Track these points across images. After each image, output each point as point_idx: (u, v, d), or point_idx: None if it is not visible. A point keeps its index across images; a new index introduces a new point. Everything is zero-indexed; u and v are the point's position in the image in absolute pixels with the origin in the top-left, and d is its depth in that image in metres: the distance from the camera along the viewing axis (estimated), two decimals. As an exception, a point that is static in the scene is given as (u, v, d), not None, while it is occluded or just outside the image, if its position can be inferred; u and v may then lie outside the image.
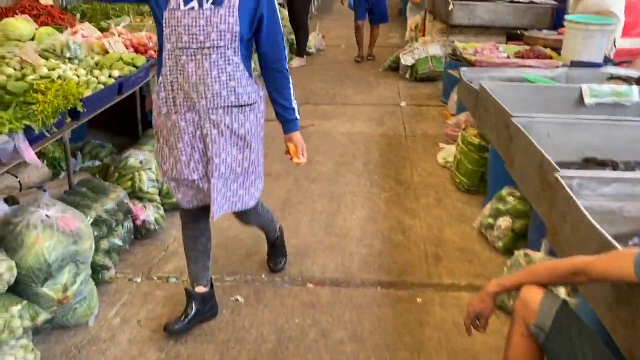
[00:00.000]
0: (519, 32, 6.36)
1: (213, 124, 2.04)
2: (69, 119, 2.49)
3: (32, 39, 3.20)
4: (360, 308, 2.48)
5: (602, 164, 2.61)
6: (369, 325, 2.37)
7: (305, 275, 2.73)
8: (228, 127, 2.06)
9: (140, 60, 3.26)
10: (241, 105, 2.06)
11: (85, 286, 2.32)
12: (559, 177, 2.07)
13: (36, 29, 3.36)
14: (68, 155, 2.84)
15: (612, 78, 3.71)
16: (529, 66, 4.02)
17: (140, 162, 3.18)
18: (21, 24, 3.15)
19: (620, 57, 4.22)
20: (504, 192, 3.00)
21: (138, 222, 2.97)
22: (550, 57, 4.27)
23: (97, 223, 2.58)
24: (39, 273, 2.06)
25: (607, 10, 4.06)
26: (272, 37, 2.05)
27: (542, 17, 5.82)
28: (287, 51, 2.16)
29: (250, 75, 2.09)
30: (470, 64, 4.21)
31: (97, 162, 3.57)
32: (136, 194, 3.09)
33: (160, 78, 2.03)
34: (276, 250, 2.77)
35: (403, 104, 5.47)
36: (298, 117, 2.23)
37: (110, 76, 2.94)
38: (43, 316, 2.12)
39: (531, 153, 2.48)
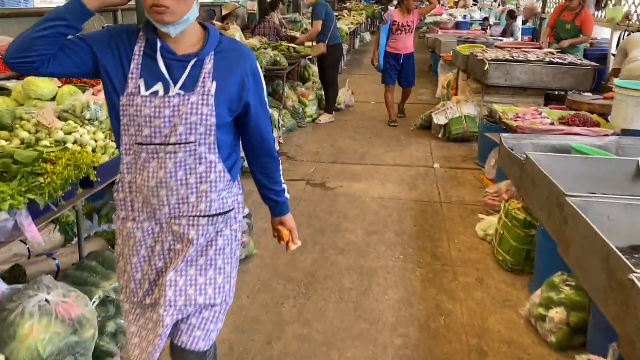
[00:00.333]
0: (557, 92, 6.16)
1: (177, 238, 1.61)
2: (80, 190, 2.29)
3: (54, 99, 3.09)
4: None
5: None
6: None
7: (331, 370, 2.41)
8: (192, 242, 1.60)
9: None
10: (212, 215, 1.62)
11: (84, 380, 2.05)
12: (637, 280, 1.76)
13: (59, 87, 3.25)
14: (80, 225, 2.64)
15: (670, 150, 3.40)
16: (576, 134, 3.75)
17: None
18: (43, 83, 3.03)
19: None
20: (557, 279, 2.67)
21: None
22: (598, 125, 4.00)
23: (104, 303, 2.34)
24: (31, 370, 1.81)
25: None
26: (260, 124, 1.66)
27: (583, 79, 5.59)
28: (275, 134, 1.73)
29: (233, 177, 1.66)
30: (511, 129, 3.96)
31: (114, 226, 3.37)
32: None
33: (119, 176, 1.62)
34: None
35: (437, 166, 5.21)
36: (288, 197, 1.87)
37: (130, 140, 2.77)
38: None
39: (592, 241, 2.17)
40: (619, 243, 2.04)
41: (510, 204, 3.40)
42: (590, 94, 5.45)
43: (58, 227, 3.07)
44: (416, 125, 6.63)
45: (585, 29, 6.27)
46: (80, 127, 2.66)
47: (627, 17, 6.77)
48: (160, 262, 1.63)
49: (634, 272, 1.81)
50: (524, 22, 10.78)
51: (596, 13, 6.66)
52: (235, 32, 8.73)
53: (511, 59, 5.72)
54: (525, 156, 3.17)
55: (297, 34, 9.33)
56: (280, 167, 1.81)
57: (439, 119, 6.14)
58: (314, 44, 6.91)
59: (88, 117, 2.80)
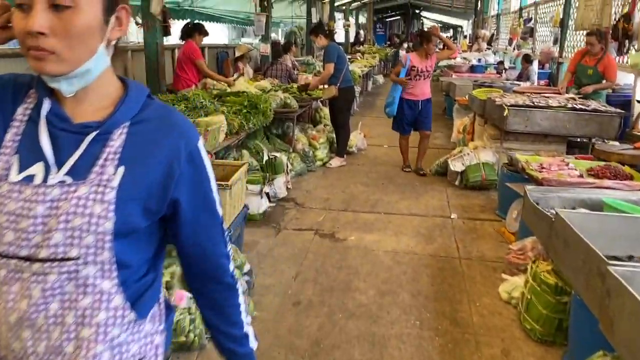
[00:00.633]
0: (579, 139, 5.88)
1: None
2: None
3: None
4: None
5: None
6: None
7: None
8: None
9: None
10: None
11: None
12: None
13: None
14: None
15: None
16: (608, 187, 3.45)
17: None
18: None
19: None
20: (598, 359, 2.32)
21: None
22: (631, 177, 3.70)
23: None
24: None
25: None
26: (200, 235, 1.12)
27: (608, 126, 5.31)
28: (230, 252, 1.19)
29: (143, 311, 1.07)
30: (536, 181, 3.66)
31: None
32: None
33: None
34: None
35: (454, 216, 4.90)
36: (254, 346, 1.25)
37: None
38: None
39: (645, 322, 1.85)
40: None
41: (538, 265, 3.07)
42: (616, 143, 5.18)
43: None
44: (431, 171, 6.35)
45: (609, 74, 6.05)
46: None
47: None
48: None
49: None
50: (541, 66, 10.61)
51: (618, 58, 6.44)
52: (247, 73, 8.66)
53: (531, 104, 5.48)
54: (554, 213, 2.88)
55: (310, 76, 9.24)
56: (241, 300, 1.22)
57: (456, 166, 5.86)
58: (326, 86, 6.75)
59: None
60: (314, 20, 14.17)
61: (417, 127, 6.45)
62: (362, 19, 27.28)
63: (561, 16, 9.11)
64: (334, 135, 7.06)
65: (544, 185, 3.57)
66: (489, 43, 16.02)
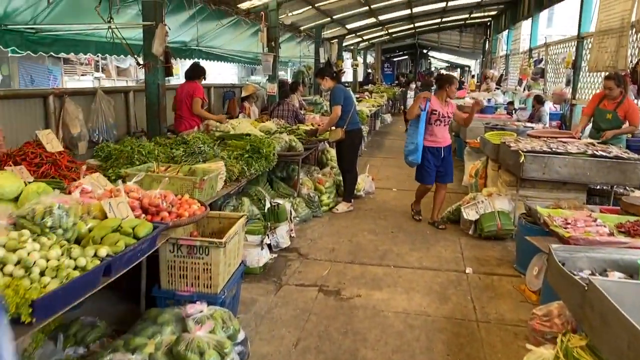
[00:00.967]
0: (598, 187, 5.56)
1: None
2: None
3: (17, 198, 2.60)
4: None
5: None
6: None
7: None
8: None
9: (145, 228, 2.58)
10: None
11: None
12: None
13: (31, 182, 2.78)
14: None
15: None
16: (643, 247, 3.12)
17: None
18: (5, 180, 2.56)
19: None
20: None
21: None
22: (667, 235, 3.36)
23: None
24: None
25: None
26: None
27: (630, 174, 5.01)
28: None
29: None
30: (561, 240, 3.33)
31: (82, 350, 2.79)
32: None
33: None
34: None
35: (469, 270, 4.55)
36: None
37: (96, 255, 2.24)
38: None
39: None
40: None
41: (570, 339, 2.71)
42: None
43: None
44: (443, 218, 6.02)
45: (632, 119, 5.77)
46: (34, 239, 2.15)
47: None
48: None
49: None
50: (553, 107, 10.37)
51: (637, 101, 6.17)
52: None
53: (548, 150, 5.19)
54: (587, 280, 2.55)
55: (317, 116, 9.06)
56: None
57: (469, 214, 5.54)
58: (332, 128, 6.51)
59: (49, 224, 2.28)
60: (322, 59, 14.13)
61: (438, 178, 5.98)
62: (370, 59, 27.43)
63: (573, 57, 8.92)
64: (341, 179, 6.79)
65: (571, 244, 3.24)
66: (498, 83, 15.86)
